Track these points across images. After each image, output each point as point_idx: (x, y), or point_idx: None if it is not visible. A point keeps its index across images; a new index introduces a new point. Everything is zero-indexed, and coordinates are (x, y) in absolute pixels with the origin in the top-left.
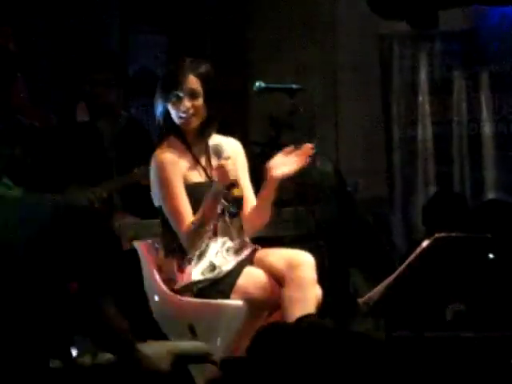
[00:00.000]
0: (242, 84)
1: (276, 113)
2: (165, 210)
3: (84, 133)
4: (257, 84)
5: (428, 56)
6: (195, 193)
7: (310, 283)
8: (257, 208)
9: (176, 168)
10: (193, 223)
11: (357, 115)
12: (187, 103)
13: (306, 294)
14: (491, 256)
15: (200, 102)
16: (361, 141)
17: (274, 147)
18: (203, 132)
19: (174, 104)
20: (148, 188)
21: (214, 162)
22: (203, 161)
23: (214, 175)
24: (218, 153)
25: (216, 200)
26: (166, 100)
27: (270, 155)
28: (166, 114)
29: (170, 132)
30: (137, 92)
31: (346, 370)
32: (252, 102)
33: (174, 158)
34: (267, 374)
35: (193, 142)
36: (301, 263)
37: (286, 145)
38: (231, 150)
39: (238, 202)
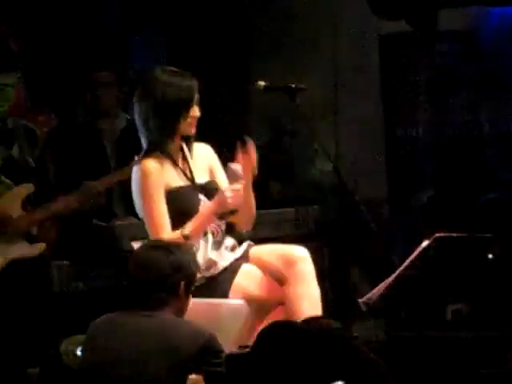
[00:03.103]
0: (242, 84)
1: (276, 113)
2: (144, 218)
3: (84, 133)
4: (257, 84)
5: (428, 56)
6: (179, 196)
7: (311, 276)
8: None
9: (159, 177)
10: (186, 237)
11: (357, 115)
12: (198, 111)
13: (309, 287)
14: (491, 256)
15: None
16: (361, 141)
17: (274, 150)
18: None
19: (190, 114)
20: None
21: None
22: (182, 165)
23: (229, 197)
24: (235, 176)
25: (214, 216)
26: (184, 113)
27: (270, 158)
28: (173, 128)
29: (160, 145)
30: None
31: (347, 368)
32: (252, 103)
33: (158, 167)
34: (271, 371)
35: (171, 149)
36: (298, 258)
37: (286, 148)
38: (205, 154)
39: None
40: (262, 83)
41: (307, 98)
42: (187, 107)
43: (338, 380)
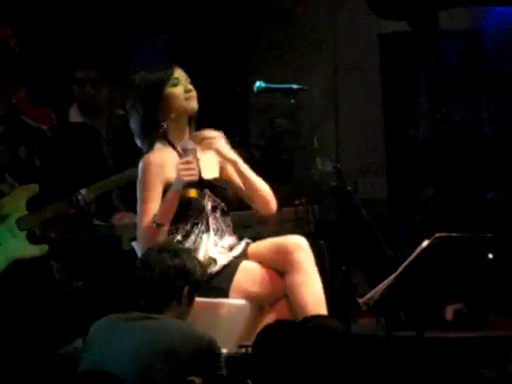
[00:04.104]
0: (242, 84)
1: (276, 114)
2: (137, 207)
3: (77, 133)
4: (257, 84)
5: (428, 56)
6: (182, 190)
7: (310, 263)
8: (248, 190)
9: (159, 172)
10: (155, 223)
11: (357, 115)
12: (189, 84)
13: (310, 275)
14: (491, 256)
15: None
16: (361, 141)
17: (274, 151)
18: (190, 127)
19: (175, 87)
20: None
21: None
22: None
23: (179, 170)
24: (185, 150)
25: (176, 194)
26: (160, 86)
27: (270, 159)
28: (156, 114)
29: (158, 135)
30: None
31: (348, 368)
32: (252, 103)
33: (162, 160)
34: (272, 370)
35: (178, 143)
36: (296, 246)
37: (286, 148)
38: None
39: (229, 200)
40: (261, 83)
41: (307, 98)
42: (162, 84)
43: (337, 379)
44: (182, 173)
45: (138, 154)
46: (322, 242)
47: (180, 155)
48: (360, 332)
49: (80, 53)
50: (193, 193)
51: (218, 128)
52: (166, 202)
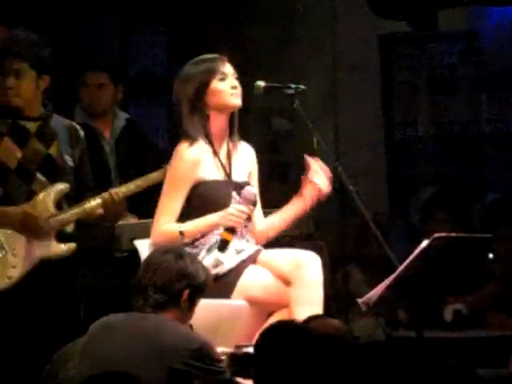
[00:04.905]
0: (241, 84)
1: (275, 113)
2: (160, 199)
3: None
4: (256, 84)
5: (428, 56)
6: (211, 189)
7: (318, 282)
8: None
9: (194, 167)
10: (181, 233)
11: (357, 115)
12: (235, 81)
13: (315, 293)
14: (491, 256)
15: None
16: (361, 141)
17: (274, 150)
18: (231, 129)
19: (221, 82)
20: (149, 188)
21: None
22: (224, 159)
23: (231, 214)
24: (248, 199)
25: (214, 227)
26: (209, 79)
27: (269, 161)
28: (200, 104)
29: (201, 125)
30: (137, 92)
31: (349, 369)
32: (251, 103)
33: (197, 156)
34: (274, 370)
35: (216, 139)
36: (307, 263)
37: (286, 148)
38: (249, 157)
39: (254, 205)
40: (261, 83)
41: (307, 98)
42: (209, 77)
43: (338, 379)
44: (232, 219)
45: (140, 155)
46: (321, 242)
47: (242, 198)
48: (360, 332)
49: (84, 54)
50: (226, 235)
51: None
52: (202, 223)
